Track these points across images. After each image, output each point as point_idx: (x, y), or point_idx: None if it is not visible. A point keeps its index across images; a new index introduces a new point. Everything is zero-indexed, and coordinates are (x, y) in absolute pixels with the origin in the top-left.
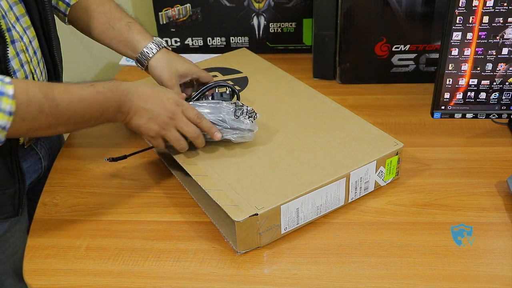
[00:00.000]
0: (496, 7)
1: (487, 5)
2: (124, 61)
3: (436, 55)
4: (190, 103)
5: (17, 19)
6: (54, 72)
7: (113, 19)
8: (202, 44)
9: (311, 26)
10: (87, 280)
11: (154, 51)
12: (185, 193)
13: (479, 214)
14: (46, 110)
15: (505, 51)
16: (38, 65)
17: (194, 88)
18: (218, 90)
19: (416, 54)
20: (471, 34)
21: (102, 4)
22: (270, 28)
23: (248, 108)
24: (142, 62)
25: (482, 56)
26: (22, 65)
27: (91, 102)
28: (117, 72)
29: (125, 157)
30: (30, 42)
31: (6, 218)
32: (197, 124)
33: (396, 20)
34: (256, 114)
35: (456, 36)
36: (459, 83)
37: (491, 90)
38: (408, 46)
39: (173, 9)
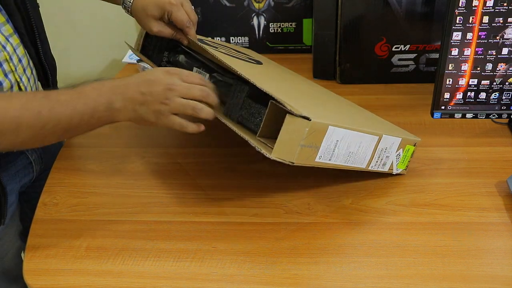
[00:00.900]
0: (496, 7)
1: (487, 5)
2: (127, 58)
3: (436, 55)
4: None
5: None
6: (44, 77)
7: None
8: None
9: (311, 26)
10: (87, 280)
11: None
12: (185, 193)
13: (479, 214)
14: (25, 121)
15: (505, 51)
16: (25, 72)
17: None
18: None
19: (416, 54)
20: (471, 34)
21: None
22: (270, 28)
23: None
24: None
25: (482, 56)
26: (6, 75)
27: (75, 105)
28: (119, 70)
29: None
30: (14, 50)
31: None
32: (203, 85)
33: (396, 20)
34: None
35: (456, 36)
36: (459, 83)
37: (491, 90)
38: (408, 46)
39: None
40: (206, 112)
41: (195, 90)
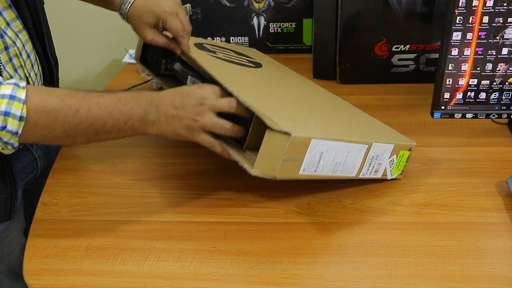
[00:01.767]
0: (496, 7)
1: (487, 5)
2: (127, 58)
3: (436, 55)
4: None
5: (8, 24)
6: (49, 73)
7: None
8: None
9: (311, 26)
10: (87, 280)
11: None
12: (185, 193)
13: (479, 214)
14: (62, 116)
15: (505, 51)
16: (32, 68)
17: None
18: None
19: (416, 54)
20: (471, 34)
21: None
22: (270, 28)
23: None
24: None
25: (482, 56)
26: (16, 70)
27: (112, 110)
28: (119, 70)
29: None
30: (24, 45)
31: None
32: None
33: (396, 20)
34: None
35: (456, 36)
36: (459, 83)
37: (491, 90)
38: (408, 46)
39: None
40: (235, 132)
41: (223, 102)
